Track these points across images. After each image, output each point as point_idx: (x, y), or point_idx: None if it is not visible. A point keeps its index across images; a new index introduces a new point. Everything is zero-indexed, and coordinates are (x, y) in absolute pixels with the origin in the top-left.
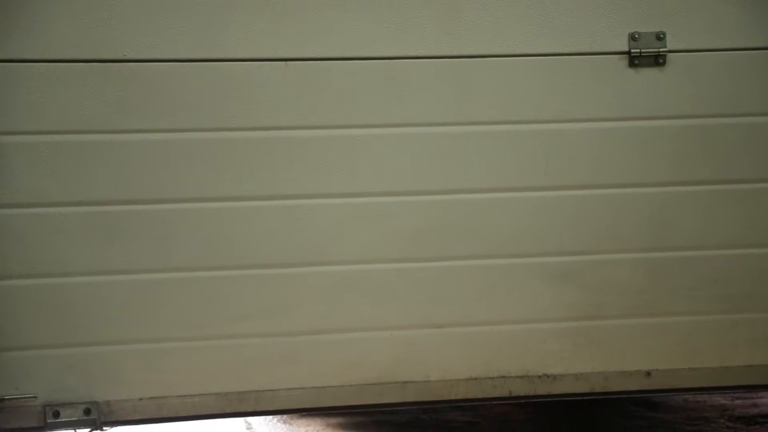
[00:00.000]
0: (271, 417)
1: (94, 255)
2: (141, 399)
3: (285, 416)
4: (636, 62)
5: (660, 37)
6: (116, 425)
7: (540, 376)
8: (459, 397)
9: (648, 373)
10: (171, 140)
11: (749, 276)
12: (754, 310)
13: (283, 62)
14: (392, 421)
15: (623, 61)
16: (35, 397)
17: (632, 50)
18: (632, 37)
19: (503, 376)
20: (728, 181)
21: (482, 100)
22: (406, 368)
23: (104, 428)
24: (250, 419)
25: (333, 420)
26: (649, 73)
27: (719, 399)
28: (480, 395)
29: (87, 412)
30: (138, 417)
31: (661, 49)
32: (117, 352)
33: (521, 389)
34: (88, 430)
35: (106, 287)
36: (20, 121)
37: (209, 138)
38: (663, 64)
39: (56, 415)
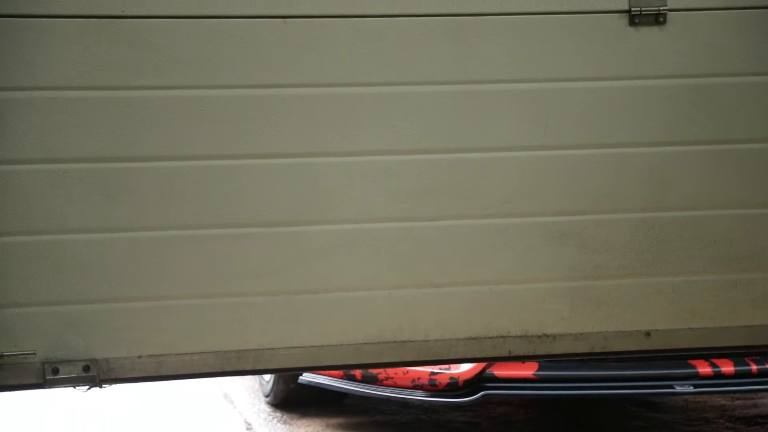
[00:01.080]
0: (271, 417)
1: (94, 212)
2: (140, 357)
3: (285, 416)
4: (636, 21)
5: None
6: (115, 383)
7: (539, 336)
8: (458, 356)
9: (647, 333)
10: (172, 97)
11: (748, 236)
12: (754, 270)
13: (282, 19)
14: (392, 422)
15: (623, 19)
16: (34, 353)
17: (632, 8)
18: None
19: (502, 336)
20: (728, 141)
21: (481, 59)
22: (406, 328)
23: (103, 385)
24: (250, 419)
25: (333, 420)
26: (649, 32)
27: (719, 399)
28: (479, 355)
29: (86, 369)
30: (137, 375)
31: (661, 8)
32: (116, 310)
33: (520, 349)
34: (87, 387)
35: (106, 245)
36: (20, 76)
37: (210, 95)
38: (663, 23)
39: (55, 371)
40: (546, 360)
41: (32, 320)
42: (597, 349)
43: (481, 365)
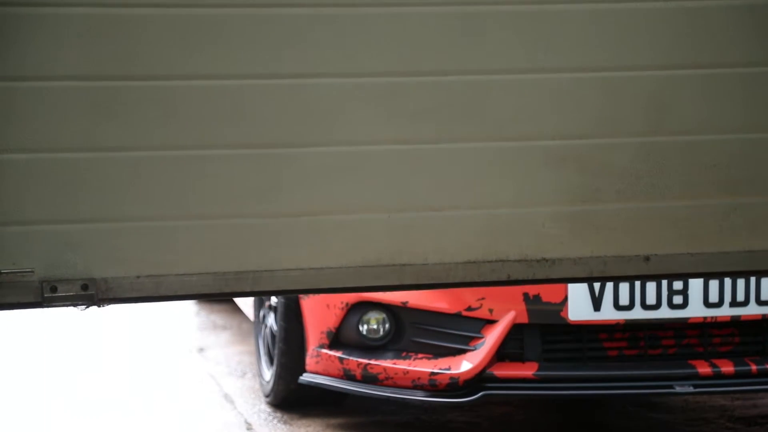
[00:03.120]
0: (271, 417)
1: (91, 131)
2: (138, 277)
3: (285, 416)
4: None
5: None
6: (114, 302)
7: (538, 260)
8: (457, 280)
9: (647, 258)
10: (171, 15)
11: (749, 161)
12: (754, 195)
13: None
14: (392, 422)
15: None
16: (32, 271)
17: None
18: None
19: (501, 260)
20: (728, 64)
21: None
22: (404, 251)
23: (102, 305)
24: (251, 419)
25: (333, 420)
26: None
27: (719, 400)
28: (478, 279)
29: (84, 287)
30: (136, 295)
31: None
32: (115, 230)
33: (519, 273)
34: (85, 306)
35: (103, 164)
36: None
37: (211, 14)
38: None
39: (53, 290)
40: (545, 361)
41: (30, 239)
42: (596, 274)
43: (482, 365)
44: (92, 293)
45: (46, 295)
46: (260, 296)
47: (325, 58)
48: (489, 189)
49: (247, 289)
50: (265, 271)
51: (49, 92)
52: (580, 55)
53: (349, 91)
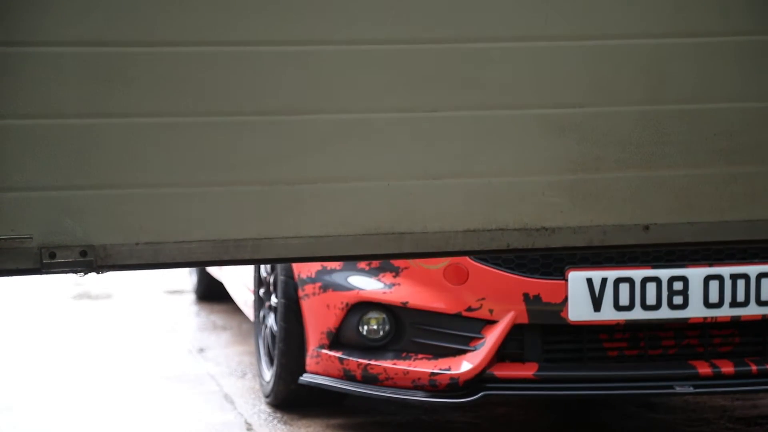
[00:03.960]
0: (271, 418)
1: (91, 97)
2: (137, 244)
3: (285, 417)
4: None
5: None
6: (113, 269)
7: (538, 229)
8: (456, 249)
9: (646, 227)
10: None
11: (749, 130)
12: (754, 164)
13: None
14: (392, 422)
15: None
16: (30, 238)
17: None
18: None
19: (501, 229)
20: (729, 33)
21: None
22: (404, 219)
23: (100, 271)
24: (251, 420)
25: (333, 421)
26: None
27: (719, 400)
28: (477, 247)
29: (83, 254)
30: (134, 262)
31: None
32: (114, 197)
33: (519, 242)
34: (84, 272)
35: (103, 130)
36: None
37: None
38: None
39: (52, 256)
40: (545, 361)
41: (28, 205)
42: (595, 243)
43: (482, 366)
44: (91, 260)
45: (44, 262)
46: (259, 264)
47: (326, 25)
48: (488, 157)
49: (247, 257)
50: (265, 239)
51: (48, 58)
52: (580, 24)
53: (349, 59)
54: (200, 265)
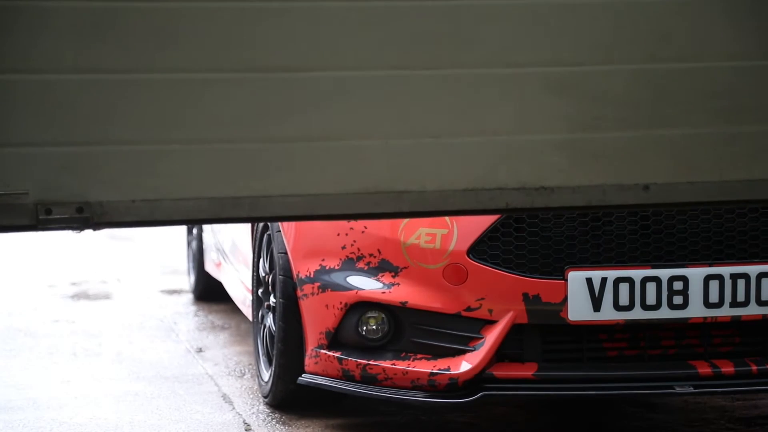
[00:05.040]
0: (270, 418)
1: (86, 52)
2: (134, 201)
3: (284, 417)
4: None
5: None
6: (109, 226)
7: (537, 189)
8: (455, 208)
9: (646, 187)
10: None
11: (749, 89)
12: (754, 123)
13: None
14: (392, 423)
15: None
16: (27, 194)
17: None
18: None
19: (500, 188)
20: None
21: None
22: (402, 178)
23: (97, 228)
24: (249, 420)
25: (332, 421)
26: None
27: (719, 401)
28: (476, 207)
29: (79, 210)
30: (131, 219)
31: None
32: (110, 153)
33: (518, 201)
34: (80, 228)
35: (98, 86)
36: None
37: None
38: None
39: (48, 212)
40: (545, 361)
41: (24, 161)
42: (595, 203)
43: (481, 366)
44: (87, 216)
45: (40, 218)
46: (257, 222)
47: None
48: (487, 116)
49: (244, 215)
50: (262, 196)
51: (44, 12)
52: None
53: (347, 16)
54: (197, 222)
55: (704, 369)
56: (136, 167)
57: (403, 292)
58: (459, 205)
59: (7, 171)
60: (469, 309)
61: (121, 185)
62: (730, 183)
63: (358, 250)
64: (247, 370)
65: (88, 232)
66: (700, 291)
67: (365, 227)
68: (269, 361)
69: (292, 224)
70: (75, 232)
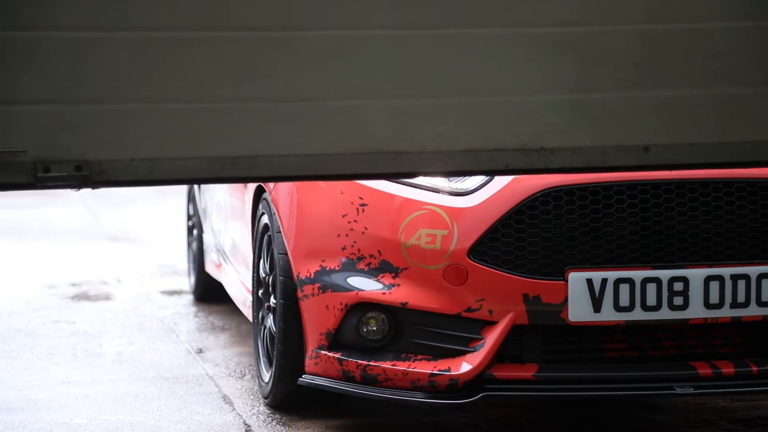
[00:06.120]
0: (270, 419)
1: (88, 9)
2: (133, 160)
3: (284, 418)
4: None
5: None
6: (107, 185)
7: (537, 150)
8: (454, 169)
9: (646, 148)
10: None
11: (751, 50)
12: (755, 84)
13: None
14: (392, 423)
15: None
16: (25, 151)
17: None
18: None
19: (499, 149)
20: None
21: None
22: (402, 138)
23: (95, 186)
24: (249, 421)
25: (332, 422)
26: None
27: (720, 401)
28: (476, 168)
29: (78, 168)
30: (130, 178)
31: None
32: (109, 112)
33: (518, 162)
34: (78, 187)
35: (100, 44)
36: None
37: None
38: None
39: (47, 170)
40: (545, 362)
41: (22, 118)
42: (595, 164)
43: (481, 367)
44: (86, 174)
45: (39, 176)
46: (256, 182)
47: None
48: (487, 76)
49: (243, 174)
50: (261, 156)
51: None
52: None
53: None
54: (196, 182)
55: (704, 370)
56: (135, 126)
57: (404, 293)
58: (458, 166)
59: (6, 128)
60: (469, 310)
61: (120, 144)
62: (730, 144)
63: (359, 251)
64: (247, 371)
65: (92, 228)
66: (701, 292)
67: (365, 228)
68: (269, 362)
69: (293, 225)
70: (73, 190)
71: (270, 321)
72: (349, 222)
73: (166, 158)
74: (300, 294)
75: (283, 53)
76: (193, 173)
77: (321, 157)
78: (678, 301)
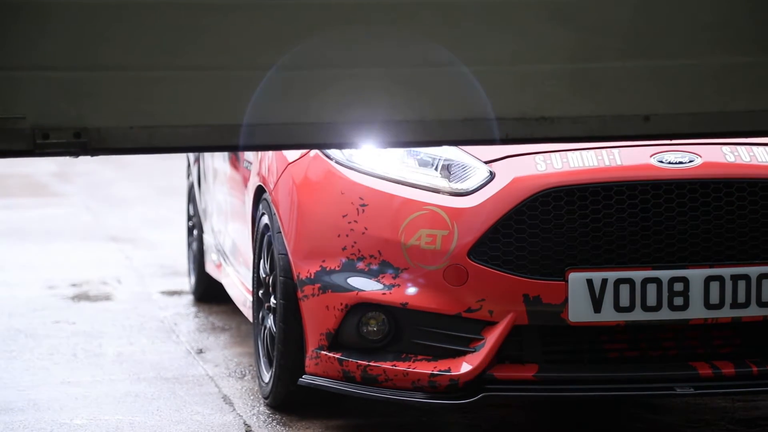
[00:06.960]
0: (270, 419)
1: None
2: (132, 127)
3: (284, 418)
4: None
5: None
6: (106, 153)
7: (537, 119)
8: (454, 138)
9: (646, 118)
10: None
11: (752, 19)
12: (756, 54)
13: None
14: (392, 424)
15: None
16: (24, 118)
17: None
18: None
19: (500, 118)
20: None
21: None
22: (402, 107)
23: (94, 154)
24: (250, 421)
25: (333, 422)
26: None
27: (720, 402)
28: (476, 137)
29: (77, 135)
30: (129, 146)
31: None
32: (108, 79)
33: (518, 132)
34: (77, 154)
35: (99, 10)
36: None
37: None
38: None
39: (45, 137)
40: (545, 362)
41: (21, 84)
42: (596, 133)
43: (482, 367)
44: (85, 141)
45: (38, 142)
46: (256, 150)
47: None
48: (487, 45)
49: (242, 143)
50: (261, 124)
51: None
52: None
53: None
54: (195, 150)
55: (705, 370)
56: (134, 93)
57: (404, 293)
58: (458, 135)
59: (4, 95)
60: (469, 310)
61: (119, 111)
62: (731, 114)
63: (359, 251)
64: (247, 372)
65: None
66: (701, 292)
67: (366, 228)
68: (270, 363)
69: (293, 225)
70: (72, 157)
71: (270, 321)
72: (349, 222)
73: (165, 126)
74: (300, 294)
75: (282, 21)
76: (191, 141)
77: (320, 125)
78: (678, 301)
